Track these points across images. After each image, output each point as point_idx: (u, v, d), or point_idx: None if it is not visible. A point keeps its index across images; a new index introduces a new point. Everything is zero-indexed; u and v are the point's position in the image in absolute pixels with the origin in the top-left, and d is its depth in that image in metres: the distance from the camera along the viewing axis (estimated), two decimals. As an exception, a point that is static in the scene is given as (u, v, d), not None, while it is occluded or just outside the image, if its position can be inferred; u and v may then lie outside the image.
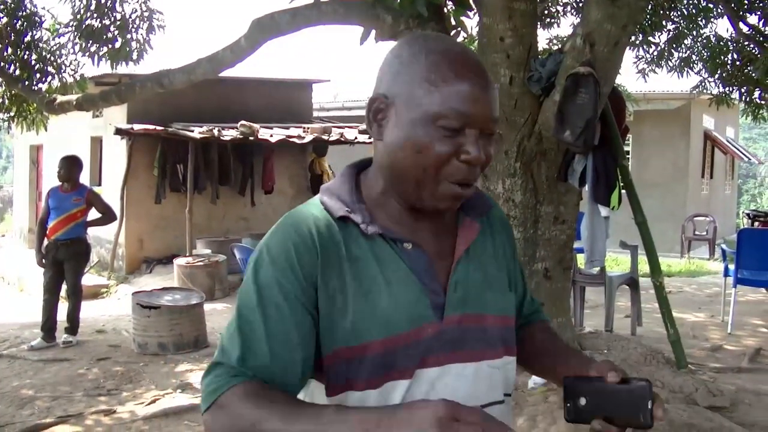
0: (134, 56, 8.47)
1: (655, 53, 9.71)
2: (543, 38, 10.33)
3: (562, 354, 1.51)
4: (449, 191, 1.29)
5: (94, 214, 7.83)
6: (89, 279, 12.96)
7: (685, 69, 9.86)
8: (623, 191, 5.28)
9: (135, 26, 8.45)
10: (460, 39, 6.92)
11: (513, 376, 1.45)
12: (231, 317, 1.32)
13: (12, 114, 9.59)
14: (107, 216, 7.95)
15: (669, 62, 9.83)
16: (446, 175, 1.27)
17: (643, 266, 6.78)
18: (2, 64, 8.52)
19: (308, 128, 13.63)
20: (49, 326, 7.52)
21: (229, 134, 12.71)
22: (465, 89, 1.25)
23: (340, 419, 1.12)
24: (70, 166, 7.67)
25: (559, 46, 7.48)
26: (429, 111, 1.25)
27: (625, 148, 16.30)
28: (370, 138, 1.43)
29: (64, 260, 7.52)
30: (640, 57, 9.82)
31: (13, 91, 9.11)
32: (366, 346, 1.26)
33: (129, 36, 8.41)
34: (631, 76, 10.08)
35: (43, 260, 7.56)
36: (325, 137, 13.39)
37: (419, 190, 1.30)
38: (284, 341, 1.26)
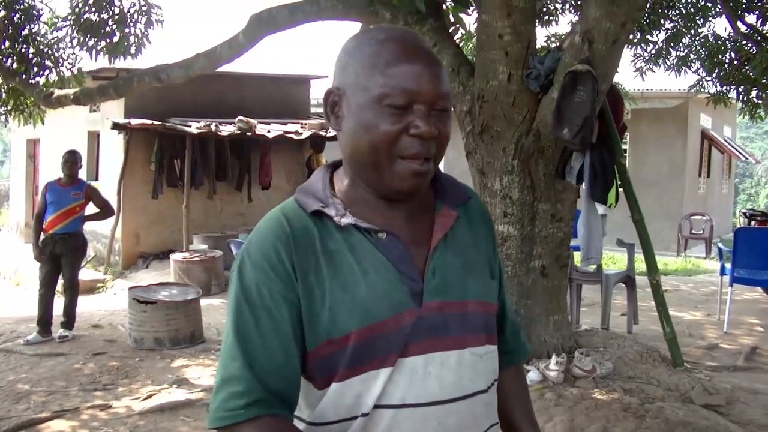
0: (132, 51, 8.45)
1: (653, 52, 9.70)
2: (541, 35, 10.33)
3: (517, 424, 1.56)
4: (406, 168, 1.31)
5: (92, 209, 7.82)
6: (86, 274, 12.95)
7: (683, 68, 9.85)
8: (620, 189, 5.28)
9: (133, 20, 8.42)
10: (458, 35, 6.93)
11: (495, 364, 1.45)
12: (226, 330, 1.33)
13: (9, 108, 9.56)
14: (105, 211, 7.96)
15: (667, 61, 9.82)
16: (400, 152, 1.30)
17: (640, 264, 6.78)
18: (0, 57, 8.49)
19: (306, 124, 13.62)
20: (45, 321, 7.48)
21: (227, 129, 12.70)
22: (406, 67, 1.29)
23: None
24: (77, 159, 7.69)
25: (558, 43, 7.48)
26: (374, 93, 1.29)
27: (623, 146, 16.35)
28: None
29: (61, 254, 7.51)
30: (638, 55, 9.81)
31: (10, 85, 9.08)
32: (347, 337, 1.28)
33: (127, 30, 8.38)
34: (628, 75, 10.08)
35: (41, 255, 7.54)
36: (322, 133, 13.40)
37: (379, 173, 1.33)
38: (279, 342, 1.29)
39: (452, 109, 5.70)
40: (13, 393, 5.75)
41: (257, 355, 1.27)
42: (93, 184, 13.82)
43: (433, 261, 1.36)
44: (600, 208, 5.21)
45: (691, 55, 9.87)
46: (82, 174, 14.42)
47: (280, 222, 1.35)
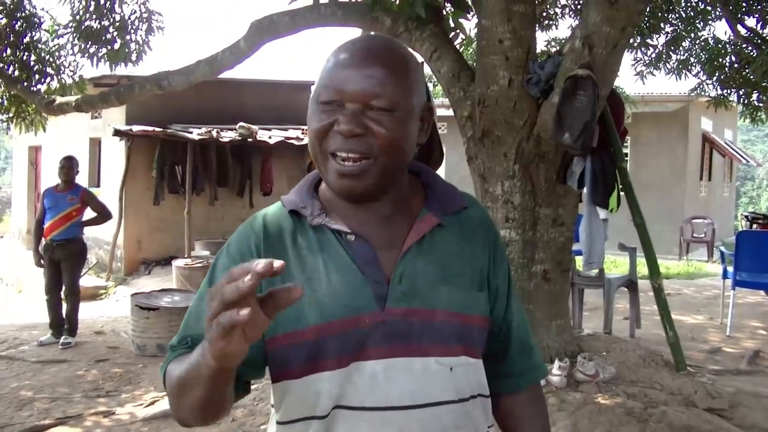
0: (133, 57, 8.48)
1: (654, 55, 9.72)
2: (541, 40, 10.35)
3: None
4: (334, 167, 1.32)
5: (90, 214, 7.83)
6: (88, 280, 12.98)
7: (684, 71, 9.88)
8: (622, 193, 5.28)
9: (134, 27, 8.45)
10: (458, 41, 6.94)
11: (478, 378, 1.42)
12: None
13: (11, 115, 9.58)
14: (102, 215, 7.95)
15: (667, 64, 9.84)
16: (327, 148, 1.32)
17: (642, 268, 6.78)
18: (1, 65, 8.51)
19: (307, 130, 13.63)
20: (56, 324, 7.61)
21: (228, 136, 12.73)
22: (342, 68, 1.31)
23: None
24: (73, 165, 7.70)
25: (558, 48, 7.49)
26: (315, 92, 1.35)
27: (624, 150, 16.35)
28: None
29: (60, 260, 7.53)
30: (638, 59, 9.83)
31: (12, 92, 9.10)
32: (302, 332, 1.31)
33: (128, 37, 8.42)
34: (629, 78, 10.15)
35: (41, 261, 7.57)
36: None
37: (322, 172, 1.36)
38: None
39: (452, 113, 5.71)
40: (17, 400, 5.76)
41: (199, 328, 1.24)
42: (94, 190, 13.89)
43: (401, 266, 1.34)
44: (601, 213, 5.22)
45: (692, 59, 9.90)
46: (84, 180, 14.50)
47: (258, 221, 1.43)
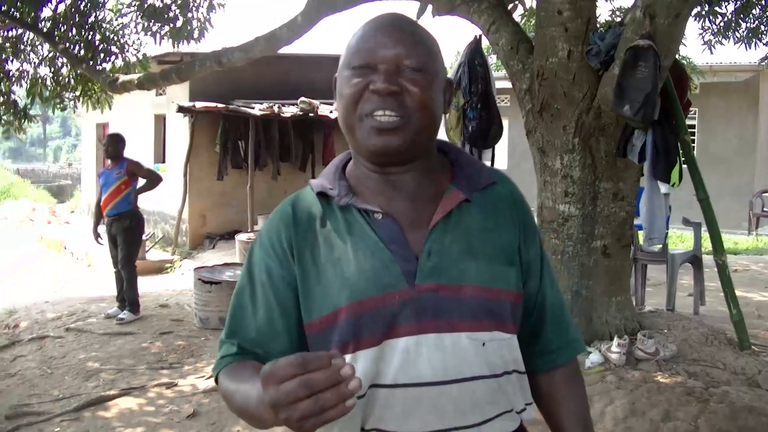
0: (195, 35, 8.56)
1: (722, 24, 9.40)
2: (605, 10, 10.11)
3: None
4: (369, 125, 1.35)
5: (143, 185, 7.94)
6: (154, 254, 13.30)
7: (753, 40, 9.52)
8: (684, 167, 5.15)
9: (195, 5, 8.53)
10: (519, 13, 6.84)
11: (513, 354, 1.41)
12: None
13: (78, 93, 9.80)
14: (152, 180, 7.96)
15: (736, 33, 9.51)
16: (363, 110, 1.35)
17: (707, 244, 6.62)
18: (67, 44, 8.69)
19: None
20: (122, 297, 7.79)
21: (289, 111, 12.81)
22: (372, 35, 1.37)
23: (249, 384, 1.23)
24: (114, 142, 7.75)
25: (621, 17, 7.31)
26: (345, 61, 1.40)
27: (689, 123, 15.90)
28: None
29: (115, 235, 7.71)
30: (706, 28, 9.52)
31: (78, 71, 9.30)
32: (335, 313, 1.33)
33: (190, 15, 8.50)
34: (696, 48, 9.82)
35: (98, 238, 7.85)
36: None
37: (354, 136, 1.38)
38: (267, 315, 1.40)
39: (511, 86, 5.64)
40: (84, 371, 5.94)
41: (245, 324, 1.42)
42: (160, 166, 14.17)
43: (429, 243, 1.35)
44: (663, 187, 5.09)
45: (762, 27, 9.54)
46: (150, 157, 14.80)
47: (287, 206, 1.45)
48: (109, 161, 7.83)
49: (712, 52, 9.77)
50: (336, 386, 1.03)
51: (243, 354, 1.39)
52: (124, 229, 7.67)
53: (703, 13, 9.08)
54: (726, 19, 9.33)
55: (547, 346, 1.53)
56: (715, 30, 9.48)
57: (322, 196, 1.42)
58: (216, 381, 1.42)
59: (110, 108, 10.21)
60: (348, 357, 1.31)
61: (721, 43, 9.65)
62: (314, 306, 1.36)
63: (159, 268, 12.72)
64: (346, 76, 1.38)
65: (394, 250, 1.34)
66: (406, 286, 1.32)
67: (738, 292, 5.43)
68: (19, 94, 10.15)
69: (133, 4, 8.54)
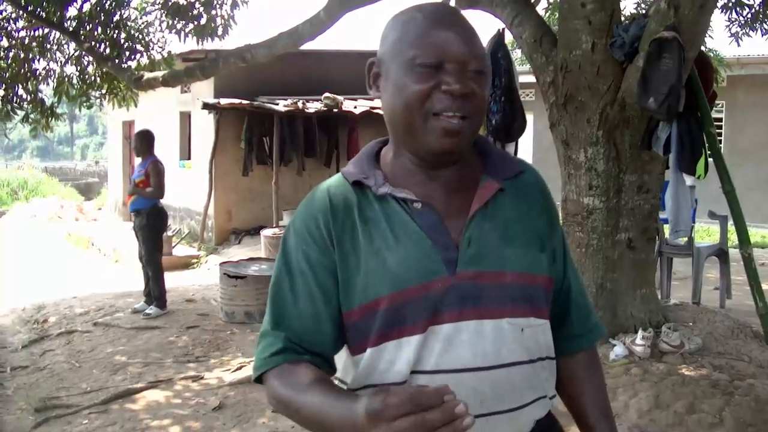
0: (219, 32, 8.61)
1: (749, 16, 9.29)
2: (631, 2, 10.02)
3: (587, 415, 1.54)
4: (438, 125, 1.34)
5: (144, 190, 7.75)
6: (180, 250, 13.39)
7: (782, 31, 9.41)
8: (710, 159, 5.11)
9: (219, 2, 8.58)
10: (541, 6, 6.81)
11: (546, 339, 1.44)
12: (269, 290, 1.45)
13: (104, 91, 9.89)
14: (154, 190, 7.64)
15: (764, 25, 9.39)
16: (431, 109, 1.33)
17: (734, 237, 6.57)
18: (93, 43, 8.78)
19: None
20: (148, 291, 7.87)
21: (314, 107, 12.83)
22: (438, 31, 1.35)
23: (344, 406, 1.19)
24: (140, 139, 7.80)
25: (646, 10, 7.26)
26: (408, 55, 1.35)
27: (716, 115, 15.71)
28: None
29: (137, 231, 7.80)
30: (733, 20, 9.41)
31: (103, 70, 9.39)
32: (377, 302, 1.33)
33: (214, 12, 8.55)
34: (724, 40, 9.68)
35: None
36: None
37: (414, 134, 1.36)
38: (310, 304, 1.38)
39: (535, 80, 5.63)
40: (111, 364, 6.02)
41: (288, 314, 1.38)
42: (185, 163, 14.25)
43: (469, 231, 1.37)
44: (688, 180, 5.06)
45: (790, 18, 9.42)
46: (175, 154, 14.91)
47: (322, 193, 1.43)
48: (139, 158, 7.90)
49: (739, 45, 9.66)
50: (450, 424, 1.02)
51: (290, 351, 1.35)
52: (142, 227, 7.70)
53: (730, 4, 8.98)
54: (753, 10, 9.22)
55: (571, 330, 1.55)
56: (742, 22, 9.37)
57: (357, 185, 1.41)
58: (259, 379, 1.38)
59: (136, 105, 10.30)
60: (391, 343, 1.33)
61: (749, 35, 9.54)
62: (355, 294, 1.36)
63: (185, 264, 12.81)
64: (407, 71, 1.35)
65: (434, 239, 1.36)
66: (447, 274, 1.34)
67: (766, 286, 5.38)
68: (47, 92, 10.28)
69: (158, 2, 8.62)
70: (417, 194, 1.39)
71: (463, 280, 1.34)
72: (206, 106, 12.82)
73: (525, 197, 1.47)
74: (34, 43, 9.36)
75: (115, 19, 8.91)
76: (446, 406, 1.02)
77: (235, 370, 5.73)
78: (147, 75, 8.38)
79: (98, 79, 9.73)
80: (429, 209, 1.38)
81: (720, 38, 9.60)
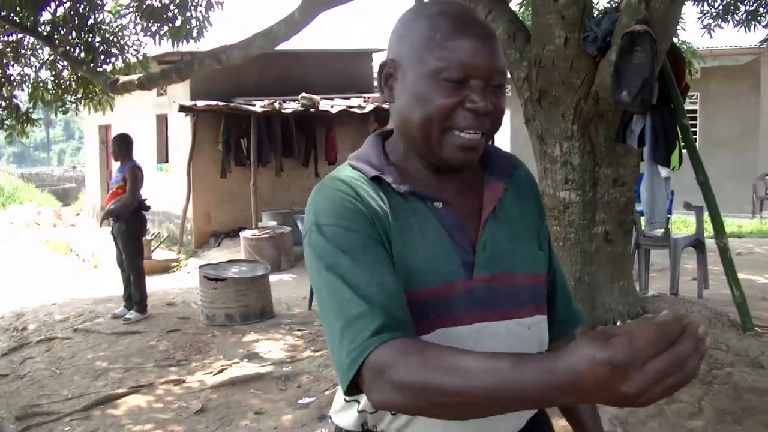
0: (194, 34, 8.58)
1: (721, 7, 9.38)
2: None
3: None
4: (458, 141, 1.31)
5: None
6: (160, 254, 13.35)
7: (753, 22, 9.50)
8: (684, 151, 5.16)
9: (194, 4, 8.55)
10: (515, 1, 6.84)
11: (545, 334, 1.46)
12: (322, 294, 1.26)
13: (79, 96, 9.84)
14: (128, 196, 7.49)
15: (735, 16, 9.48)
16: (453, 125, 1.30)
17: (710, 227, 6.63)
18: (67, 47, 8.73)
19: (369, 98, 13.65)
20: (128, 296, 7.83)
21: (291, 107, 12.83)
22: (464, 42, 1.29)
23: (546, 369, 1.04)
24: (118, 143, 7.71)
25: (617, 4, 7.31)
26: (432, 66, 1.29)
27: (692, 107, 15.87)
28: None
29: (115, 237, 7.77)
30: (704, 12, 9.50)
31: (78, 74, 9.34)
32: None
33: (188, 14, 8.52)
34: (696, 32, 9.76)
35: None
36: (386, 106, 13.38)
37: (430, 145, 1.33)
38: (387, 271, 1.25)
39: (509, 76, 5.65)
40: (92, 370, 6.00)
41: (370, 291, 1.20)
42: (163, 166, 14.18)
43: (484, 234, 1.37)
44: (663, 171, 5.10)
45: (761, 9, 9.52)
46: (152, 157, 14.83)
47: (343, 181, 1.34)
48: (118, 162, 7.85)
49: (711, 36, 9.74)
50: (697, 350, 0.92)
51: (391, 328, 1.16)
52: (121, 232, 7.65)
53: (702, -4, 9.06)
54: (725, 2, 9.31)
55: (556, 317, 1.56)
56: (714, 13, 9.45)
57: (376, 180, 1.35)
58: (360, 367, 1.14)
59: (112, 109, 10.25)
60: None
61: (721, 27, 9.62)
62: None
63: (165, 268, 12.77)
64: (431, 83, 1.29)
65: (455, 239, 1.35)
66: (464, 276, 1.33)
67: (742, 275, 5.45)
68: (21, 98, 10.20)
69: (132, 4, 8.56)
70: (432, 193, 1.37)
71: (478, 283, 1.34)
72: (183, 108, 12.78)
73: (522, 194, 1.49)
74: (8, 49, 9.30)
75: (89, 22, 8.88)
76: (691, 332, 0.92)
77: (216, 373, 5.73)
78: (122, 78, 8.34)
79: (74, 84, 9.69)
80: (449, 209, 1.37)
81: (693, 30, 9.68)
